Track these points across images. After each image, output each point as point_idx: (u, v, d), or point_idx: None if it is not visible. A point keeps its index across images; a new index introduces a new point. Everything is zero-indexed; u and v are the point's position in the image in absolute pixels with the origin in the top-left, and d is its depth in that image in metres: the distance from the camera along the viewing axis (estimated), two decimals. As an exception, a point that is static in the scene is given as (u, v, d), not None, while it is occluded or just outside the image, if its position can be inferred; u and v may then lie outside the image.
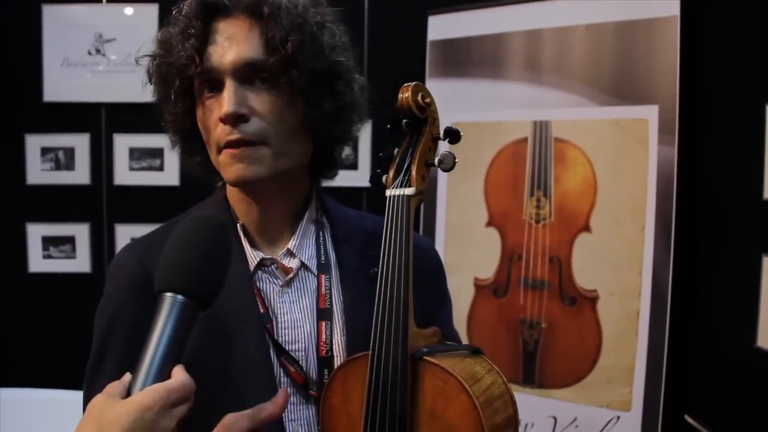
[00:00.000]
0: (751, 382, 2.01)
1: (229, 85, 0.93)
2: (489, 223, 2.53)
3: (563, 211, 2.38)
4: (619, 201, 2.27)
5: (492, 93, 2.53)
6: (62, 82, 2.74)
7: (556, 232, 2.39)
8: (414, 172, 0.97)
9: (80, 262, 2.79)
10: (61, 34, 2.72)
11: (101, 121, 2.78)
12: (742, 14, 2.09)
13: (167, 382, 0.75)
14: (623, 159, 2.26)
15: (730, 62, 2.15)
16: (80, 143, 2.77)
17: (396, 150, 1.01)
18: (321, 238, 1.07)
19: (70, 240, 2.78)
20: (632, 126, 2.24)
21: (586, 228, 2.33)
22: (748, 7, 2.06)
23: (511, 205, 2.48)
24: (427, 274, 1.12)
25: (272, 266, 1.04)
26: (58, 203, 2.79)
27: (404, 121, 1.00)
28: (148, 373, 0.75)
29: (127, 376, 0.77)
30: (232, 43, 0.94)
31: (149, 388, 0.74)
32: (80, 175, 2.77)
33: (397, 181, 0.97)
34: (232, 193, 1.06)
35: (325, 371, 1.01)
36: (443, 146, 1.03)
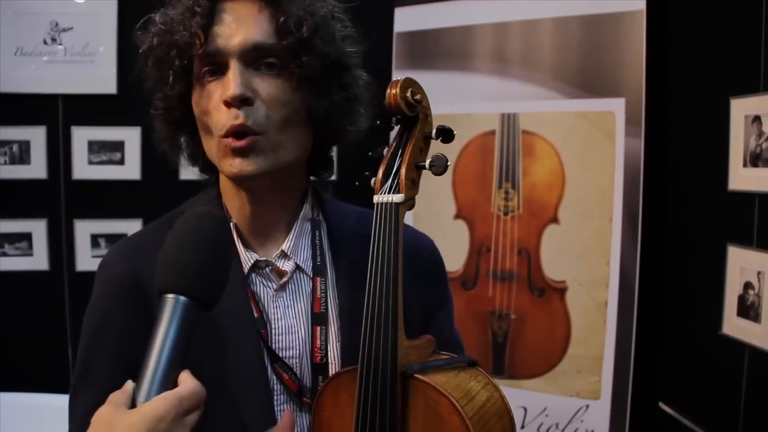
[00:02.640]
0: (716, 368, 2.06)
1: (235, 67, 0.89)
2: (457, 216, 2.54)
3: (531, 202, 2.39)
4: (586, 192, 2.30)
5: (459, 85, 2.53)
6: (16, 72, 2.61)
7: (524, 224, 2.41)
8: (403, 176, 0.91)
9: (37, 260, 2.68)
10: (15, 22, 2.61)
11: (58, 112, 2.67)
12: (707, 9, 2.13)
13: (178, 390, 0.71)
14: (591, 151, 2.29)
15: (695, 56, 2.19)
16: (36, 136, 2.65)
17: (385, 150, 0.95)
18: (317, 237, 1.03)
19: (27, 237, 2.67)
20: (599, 118, 2.27)
21: (555, 220, 2.36)
22: (712, 2, 2.10)
23: (479, 197, 2.49)
24: (428, 273, 1.09)
25: (267, 268, 0.99)
26: (13, 198, 2.67)
27: (394, 118, 0.94)
28: (152, 381, 0.71)
29: (129, 384, 0.73)
30: (240, 25, 0.90)
31: (160, 396, 0.70)
32: (36, 169, 2.66)
33: (386, 186, 0.91)
34: (226, 190, 1.01)
35: (320, 378, 0.98)
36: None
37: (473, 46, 2.51)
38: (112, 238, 2.68)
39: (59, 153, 2.68)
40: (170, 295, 0.74)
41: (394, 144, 0.95)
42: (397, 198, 0.90)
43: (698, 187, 2.16)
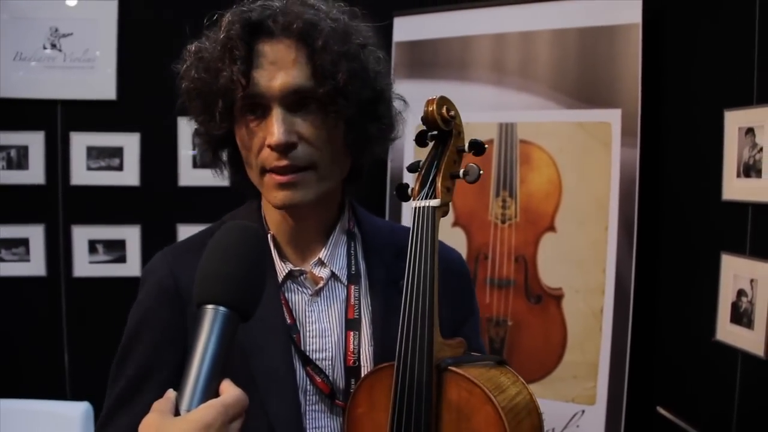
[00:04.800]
0: (710, 374, 2.10)
1: (277, 113, 0.92)
2: (455, 224, 2.56)
3: (528, 211, 2.43)
4: (583, 201, 2.34)
5: (458, 95, 2.47)
6: (15, 77, 2.61)
7: (521, 232, 2.44)
8: (439, 184, 0.98)
9: (35, 266, 2.68)
10: (14, 27, 2.61)
11: (57, 118, 2.67)
12: (702, 23, 2.18)
13: (223, 398, 0.74)
14: (587, 161, 2.34)
15: (689, 69, 2.24)
16: (34, 141, 2.65)
17: (421, 162, 1.02)
18: (353, 248, 1.07)
19: (24, 242, 2.66)
20: (596, 129, 2.32)
21: (551, 228, 2.39)
22: (707, 17, 2.16)
23: (477, 205, 2.52)
24: (456, 287, 1.13)
25: (301, 277, 1.04)
26: (10, 204, 2.66)
27: (429, 133, 1.01)
28: (195, 389, 0.73)
29: (172, 393, 0.75)
30: (279, 68, 0.92)
31: (207, 404, 0.72)
32: (34, 174, 2.66)
33: (423, 192, 0.99)
34: (267, 203, 1.05)
35: (352, 381, 1.01)
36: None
37: (472, 56, 2.55)
38: (109, 244, 2.69)
39: (57, 158, 2.68)
40: (210, 306, 0.76)
41: (430, 156, 1.02)
42: (434, 202, 0.97)
43: (693, 196, 2.21)
